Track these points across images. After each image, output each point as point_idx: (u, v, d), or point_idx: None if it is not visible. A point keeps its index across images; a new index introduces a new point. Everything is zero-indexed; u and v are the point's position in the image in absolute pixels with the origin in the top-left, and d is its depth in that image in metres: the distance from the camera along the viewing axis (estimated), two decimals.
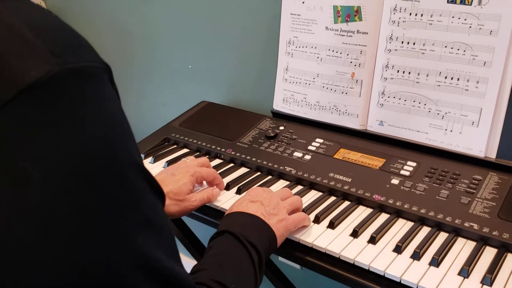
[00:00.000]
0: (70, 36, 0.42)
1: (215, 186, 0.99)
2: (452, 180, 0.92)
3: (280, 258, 1.55)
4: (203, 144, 1.19)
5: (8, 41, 0.37)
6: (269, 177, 1.06)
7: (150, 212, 0.45)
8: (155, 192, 0.47)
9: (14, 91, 0.36)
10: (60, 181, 0.37)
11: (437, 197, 0.89)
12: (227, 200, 0.97)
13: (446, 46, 0.98)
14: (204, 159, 1.04)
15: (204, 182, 1.01)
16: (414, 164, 0.99)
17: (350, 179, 0.98)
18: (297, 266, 1.59)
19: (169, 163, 1.12)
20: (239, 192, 1.00)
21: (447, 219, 0.84)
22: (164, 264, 0.45)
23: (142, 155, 1.17)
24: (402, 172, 0.97)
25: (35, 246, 0.37)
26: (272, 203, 0.82)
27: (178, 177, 0.93)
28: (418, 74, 1.02)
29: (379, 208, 0.91)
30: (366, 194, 0.94)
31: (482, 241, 0.80)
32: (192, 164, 0.99)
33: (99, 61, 0.43)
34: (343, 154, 1.06)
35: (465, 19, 0.95)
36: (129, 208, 0.42)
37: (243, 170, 1.10)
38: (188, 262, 1.33)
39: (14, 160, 0.36)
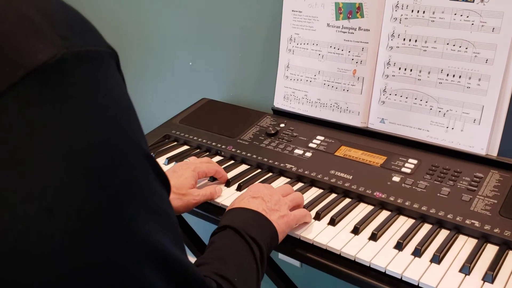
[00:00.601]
0: (78, 21, 0.41)
1: (218, 185, 0.99)
2: (453, 178, 0.92)
3: (280, 256, 1.55)
4: (204, 141, 1.19)
5: (15, 24, 0.37)
6: (270, 174, 1.06)
7: (156, 199, 0.45)
8: (160, 180, 0.46)
9: (22, 73, 0.35)
10: (65, 165, 0.37)
11: (438, 194, 0.89)
12: (227, 197, 0.97)
13: (448, 43, 0.98)
14: (205, 158, 1.05)
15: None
16: (415, 161, 0.99)
17: (351, 177, 0.98)
18: (297, 263, 1.59)
19: (169, 159, 1.12)
20: (239, 189, 1.00)
21: (449, 216, 0.84)
22: (171, 252, 0.45)
23: None
24: (403, 169, 0.97)
25: (42, 230, 0.36)
26: (273, 199, 0.82)
27: (180, 173, 0.94)
28: (420, 72, 1.02)
29: (380, 205, 0.91)
30: (367, 191, 0.93)
31: (484, 239, 0.80)
32: (193, 161, 1.00)
33: (106, 46, 0.42)
34: (344, 151, 1.06)
35: (467, 16, 0.94)
36: (135, 195, 0.42)
37: (243, 167, 1.09)
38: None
39: (20, 143, 0.36)
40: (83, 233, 0.38)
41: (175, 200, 0.89)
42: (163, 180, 0.47)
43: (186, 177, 0.93)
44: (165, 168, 1.09)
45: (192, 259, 0.70)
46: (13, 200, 0.36)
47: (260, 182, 1.01)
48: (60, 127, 0.37)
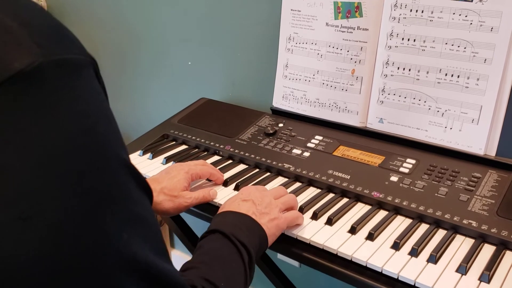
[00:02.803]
0: (55, 28, 0.41)
1: (212, 188, 0.98)
2: (451, 178, 0.92)
3: (279, 256, 1.55)
4: (202, 140, 1.19)
5: None
6: (268, 174, 1.05)
7: (135, 207, 0.44)
8: (141, 187, 0.46)
9: None
10: (40, 172, 0.37)
11: (436, 194, 0.89)
12: (225, 197, 0.96)
13: (446, 43, 0.97)
14: (200, 161, 1.03)
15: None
16: (413, 161, 0.98)
17: (349, 176, 0.98)
18: (296, 264, 1.59)
19: (168, 159, 1.12)
20: (237, 188, 0.99)
21: (446, 216, 0.84)
22: (151, 261, 0.44)
23: (141, 151, 1.16)
24: (401, 169, 0.97)
25: (16, 238, 0.36)
26: (264, 202, 0.81)
27: (173, 174, 0.93)
28: (418, 71, 1.02)
29: (378, 205, 0.91)
30: (365, 191, 0.93)
31: (481, 239, 0.80)
32: (187, 163, 0.99)
33: (85, 54, 0.42)
34: (342, 151, 1.06)
35: (465, 16, 0.94)
36: (111, 203, 0.41)
37: (241, 167, 1.09)
38: (186, 259, 1.32)
39: None
40: (58, 242, 0.37)
41: (167, 201, 0.89)
42: (144, 187, 0.47)
43: (179, 179, 0.92)
44: (161, 167, 1.09)
45: (189, 258, 0.70)
46: None
47: (258, 182, 1.01)
48: (36, 135, 0.37)
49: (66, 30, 0.42)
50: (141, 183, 0.46)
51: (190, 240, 1.31)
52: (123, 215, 0.42)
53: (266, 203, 0.81)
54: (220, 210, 0.81)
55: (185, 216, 1.21)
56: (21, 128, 0.36)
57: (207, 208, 0.96)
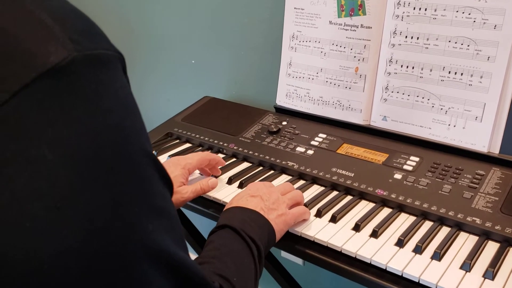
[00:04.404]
0: (87, 24, 0.43)
1: (211, 177, 0.98)
2: (455, 175, 0.92)
3: (283, 254, 1.55)
4: (206, 139, 1.19)
5: (28, 26, 0.38)
6: (272, 171, 1.06)
7: (159, 200, 0.46)
8: (164, 180, 0.47)
9: (34, 75, 0.36)
10: (72, 164, 0.38)
11: (439, 191, 0.89)
12: (229, 194, 0.97)
13: (450, 41, 0.98)
14: (199, 152, 1.03)
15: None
16: (417, 159, 0.98)
17: (353, 174, 0.98)
18: (300, 262, 1.59)
19: (171, 157, 1.12)
20: (241, 186, 1.00)
21: (450, 213, 0.84)
22: (174, 251, 0.46)
23: None
24: (405, 167, 0.97)
25: (49, 228, 0.37)
26: (272, 198, 0.82)
27: (169, 171, 0.92)
28: (422, 69, 1.02)
29: (382, 202, 0.91)
30: (369, 188, 0.93)
31: (485, 236, 0.80)
32: (184, 157, 0.99)
33: (114, 49, 0.43)
34: (346, 149, 1.06)
35: (469, 14, 0.94)
36: (139, 195, 0.43)
37: (245, 165, 1.09)
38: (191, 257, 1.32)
39: (31, 142, 0.36)
40: (89, 233, 0.39)
41: None
42: (167, 181, 0.48)
43: (175, 175, 0.92)
44: None
45: (194, 256, 0.70)
46: (21, 196, 0.36)
47: (262, 179, 1.01)
48: (69, 128, 0.38)
49: (96, 27, 0.43)
50: (164, 176, 0.47)
51: (195, 238, 1.32)
52: (149, 207, 0.44)
53: (274, 199, 0.82)
54: (228, 206, 0.81)
55: (190, 214, 1.22)
56: (54, 121, 0.37)
57: (212, 206, 0.96)
